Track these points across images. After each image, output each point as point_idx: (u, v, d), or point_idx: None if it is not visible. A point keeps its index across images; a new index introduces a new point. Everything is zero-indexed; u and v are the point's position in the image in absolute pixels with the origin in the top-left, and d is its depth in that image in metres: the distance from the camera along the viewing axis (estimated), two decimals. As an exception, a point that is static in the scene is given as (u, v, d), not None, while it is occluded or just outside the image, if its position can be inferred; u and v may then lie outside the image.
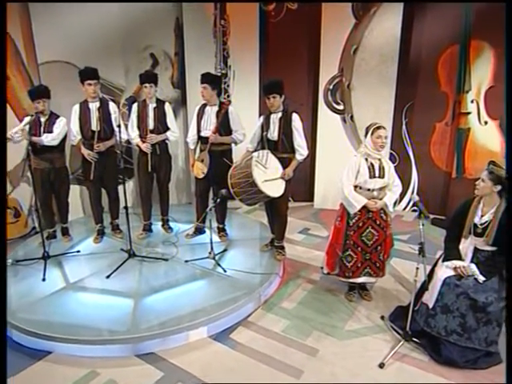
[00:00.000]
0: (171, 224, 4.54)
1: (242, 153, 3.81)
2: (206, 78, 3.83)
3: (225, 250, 3.98)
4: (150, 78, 3.98)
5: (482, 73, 4.64)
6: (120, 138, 3.62)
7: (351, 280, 3.27)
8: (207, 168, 3.87)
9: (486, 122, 4.73)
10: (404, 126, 5.33)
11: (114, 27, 4.75)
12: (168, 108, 4.12)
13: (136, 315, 2.98)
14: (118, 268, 3.57)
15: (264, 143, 3.68)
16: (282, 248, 3.95)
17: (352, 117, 5.26)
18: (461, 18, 4.68)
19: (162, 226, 4.51)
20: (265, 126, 3.64)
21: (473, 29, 4.63)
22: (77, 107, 3.92)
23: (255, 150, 3.70)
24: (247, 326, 3.04)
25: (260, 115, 3.95)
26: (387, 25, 4.86)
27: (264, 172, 3.45)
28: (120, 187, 3.98)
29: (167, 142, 4.20)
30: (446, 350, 2.62)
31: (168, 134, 4.13)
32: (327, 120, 5.32)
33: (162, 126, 4.09)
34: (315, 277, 3.75)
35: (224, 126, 3.87)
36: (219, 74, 4.94)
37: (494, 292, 2.59)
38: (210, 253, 3.68)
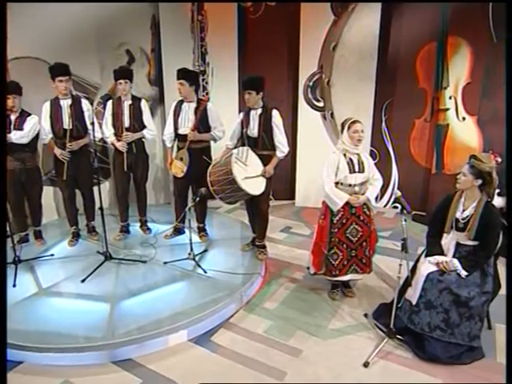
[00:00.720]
0: (149, 225, 4.42)
1: (221, 150, 3.72)
2: (183, 74, 3.73)
3: (205, 251, 3.89)
4: (124, 73, 3.86)
5: (459, 69, 4.68)
6: (94, 136, 3.49)
7: (338, 278, 3.22)
8: (187, 166, 3.77)
9: (463, 118, 4.77)
10: (384, 123, 5.34)
11: (89, 23, 4.60)
12: (144, 105, 4.00)
13: (112, 320, 2.86)
14: (93, 271, 3.43)
15: (244, 140, 3.62)
16: (264, 247, 3.89)
17: (332, 114, 5.25)
18: (438, 15, 4.71)
19: (140, 227, 4.38)
20: (244, 123, 3.57)
21: (450, 26, 4.66)
22: (47, 104, 3.76)
23: (235, 147, 3.63)
24: (229, 327, 2.96)
25: (240, 112, 3.87)
26: (366, 22, 4.85)
27: (244, 169, 3.39)
28: (95, 188, 3.83)
29: (144, 140, 4.09)
30: (429, 347, 2.60)
31: (144, 132, 4.01)
32: (307, 117, 5.29)
33: (138, 124, 3.96)
34: (298, 276, 3.70)
35: (203, 122, 3.79)
36: (196, 70, 4.84)
37: (476, 286, 2.59)
38: (189, 253, 3.58)
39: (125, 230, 4.26)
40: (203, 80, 5.03)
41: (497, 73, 4.47)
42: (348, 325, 3.00)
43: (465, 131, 4.80)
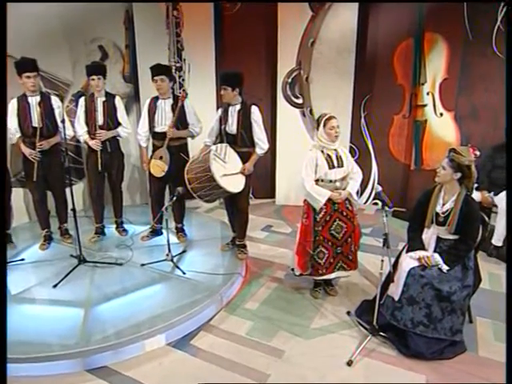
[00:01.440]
0: (126, 226, 4.30)
1: (199, 148, 3.63)
2: (162, 70, 3.63)
3: (184, 252, 3.80)
4: (97, 69, 3.72)
5: (436, 65, 4.72)
6: (65, 134, 3.34)
7: (326, 277, 3.19)
8: (167, 165, 3.67)
9: (441, 114, 4.82)
10: (363, 119, 5.35)
11: (59, 18, 4.43)
12: (118, 102, 3.87)
13: (86, 326, 2.74)
14: (66, 276, 3.29)
15: (222, 137, 3.54)
16: (244, 247, 3.83)
17: (311, 110, 5.23)
18: (414, 11, 4.74)
19: (116, 228, 4.25)
20: (223, 119, 3.50)
21: (426, 22, 4.69)
22: (14, 102, 3.59)
23: (214, 144, 3.55)
24: (209, 330, 2.88)
25: (218, 109, 3.80)
26: (343, 18, 4.85)
27: (223, 166, 3.33)
28: (68, 188, 3.68)
29: (118, 138, 3.96)
30: (413, 343, 2.59)
31: (119, 129, 3.89)
32: (286, 114, 5.25)
33: (112, 122, 3.84)
34: (279, 275, 3.65)
35: (180, 119, 3.71)
36: (172, 66, 4.74)
37: (457, 281, 2.59)
38: (167, 255, 3.49)
39: (100, 232, 4.13)
40: (179, 77, 4.93)
41: (473, 68, 4.54)
42: (331, 323, 2.96)
43: (442, 127, 4.85)
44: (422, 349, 2.56)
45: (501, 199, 3.87)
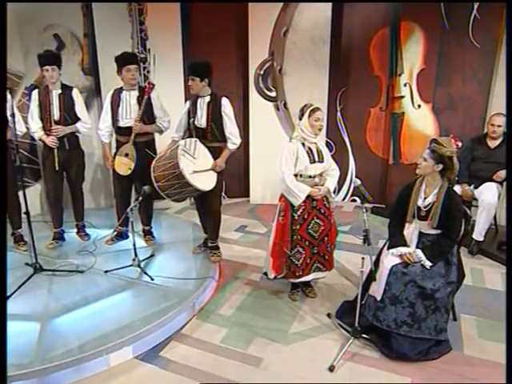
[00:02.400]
0: (88, 230, 4.13)
1: (166, 143, 3.53)
2: (132, 59, 3.55)
3: (152, 256, 3.68)
4: (50, 58, 3.54)
5: (413, 55, 4.78)
6: (15, 130, 3.14)
7: (302, 279, 3.14)
8: (134, 163, 3.55)
9: (419, 106, 4.88)
10: (339, 112, 5.35)
11: (8, 3, 4.19)
12: (76, 94, 3.70)
13: (43, 342, 2.57)
14: (20, 286, 3.10)
15: (191, 131, 3.45)
16: (217, 248, 3.74)
17: (285, 104, 5.19)
18: (390, -1, 4.78)
19: (77, 233, 4.07)
20: (191, 112, 3.41)
21: (402, 10, 4.74)
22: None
23: (182, 139, 3.45)
24: (180, 339, 2.78)
25: (186, 102, 3.68)
26: (317, 6, 4.84)
27: (192, 162, 3.24)
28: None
29: (78, 134, 3.79)
30: (396, 344, 2.57)
31: (78, 125, 3.72)
32: (259, 108, 5.21)
33: (69, 116, 3.67)
34: (255, 277, 3.59)
35: (147, 113, 3.60)
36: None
37: (440, 277, 2.59)
38: (134, 260, 3.36)
39: (59, 238, 3.94)
40: (144, 68, 4.78)
41: (450, 58, 4.62)
42: (311, 327, 2.91)
43: (421, 119, 4.92)
44: (407, 350, 2.54)
45: (481, 192, 3.94)
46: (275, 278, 3.20)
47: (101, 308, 2.93)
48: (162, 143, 3.74)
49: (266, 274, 3.27)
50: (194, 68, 3.32)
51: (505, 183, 4.00)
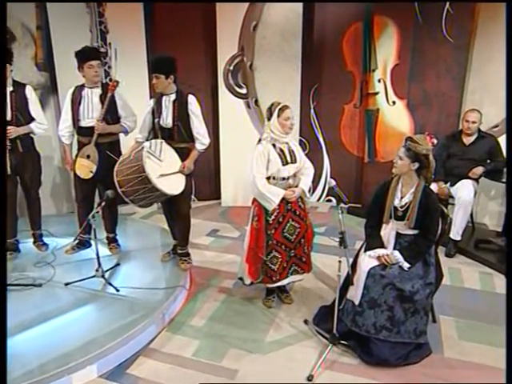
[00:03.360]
0: (46, 239, 3.99)
1: (127, 144, 3.47)
2: (95, 53, 3.47)
3: (117, 265, 3.60)
4: (-1, 53, 3.40)
5: (387, 50, 4.87)
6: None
7: (279, 283, 3.15)
8: (96, 165, 3.46)
9: (393, 102, 4.97)
10: (312, 110, 5.40)
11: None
12: (30, 92, 3.57)
13: (-3, 363, 2.47)
14: (-30, 303, 2.97)
15: (157, 132, 3.38)
16: (187, 255, 3.70)
17: (256, 101, 5.19)
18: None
19: (34, 243, 3.93)
20: (156, 111, 3.34)
21: (375, 5, 4.81)
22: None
23: (146, 140, 3.37)
24: (149, 354, 2.72)
25: (151, 99, 3.62)
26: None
27: (159, 165, 3.18)
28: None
29: (32, 136, 3.66)
30: (376, 350, 2.60)
31: (32, 125, 3.59)
32: (229, 106, 5.19)
33: (23, 116, 3.53)
34: (228, 284, 3.58)
35: (111, 112, 3.52)
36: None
37: (419, 279, 2.63)
38: (97, 270, 3.27)
39: (13, 249, 3.78)
40: (105, 64, 4.67)
41: (424, 53, 4.72)
42: (287, 335, 2.92)
43: (395, 116, 5.02)
44: (387, 355, 2.58)
45: (457, 190, 4.05)
46: (251, 283, 3.20)
47: (62, 324, 2.83)
48: (128, 144, 3.66)
49: (241, 279, 3.27)
50: (157, 65, 3.26)
51: (480, 180, 4.13)
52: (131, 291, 3.18)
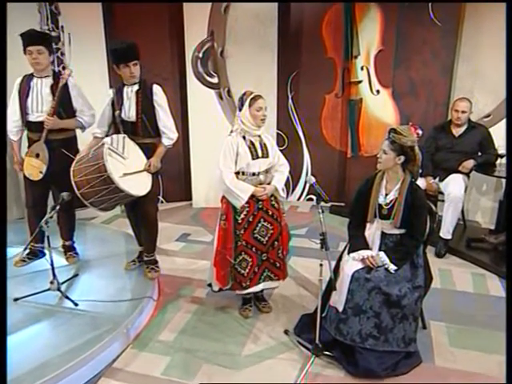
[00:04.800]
0: (-7, 249, 3.90)
1: (85, 141, 3.44)
2: (38, 38, 3.36)
3: (75, 276, 3.55)
4: None
5: (370, 35, 4.94)
6: None
7: (250, 290, 3.16)
8: (46, 165, 3.40)
9: (378, 91, 5.05)
10: (290, 100, 5.43)
11: None
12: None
13: None
14: None
15: (118, 126, 3.37)
16: (155, 263, 3.68)
17: (229, 91, 5.20)
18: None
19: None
20: (116, 103, 3.32)
21: (356, -15, 4.88)
22: None
23: (107, 136, 3.36)
24: (113, 375, 2.68)
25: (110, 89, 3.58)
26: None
27: (122, 163, 3.16)
28: None
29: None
30: (362, 360, 2.63)
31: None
32: (199, 97, 5.19)
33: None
34: (200, 293, 3.57)
35: (64, 104, 3.46)
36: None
37: (406, 282, 2.68)
38: (52, 282, 3.20)
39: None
40: (57, 50, 4.58)
41: (410, 38, 4.80)
42: (266, 347, 2.92)
43: (380, 106, 5.09)
44: (373, 365, 2.61)
45: (447, 185, 4.14)
46: (220, 290, 3.21)
47: (11, 345, 2.75)
48: (86, 141, 3.60)
49: (210, 285, 3.27)
50: (132, 51, 3.23)
51: (472, 174, 4.23)
52: (91, 305, 3.14)
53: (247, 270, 3.07)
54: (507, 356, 2.16)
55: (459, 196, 4.05)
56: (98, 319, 2.98)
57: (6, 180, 3.05)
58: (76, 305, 3.12)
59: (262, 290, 3.27)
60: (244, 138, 2.98)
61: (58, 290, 3.21)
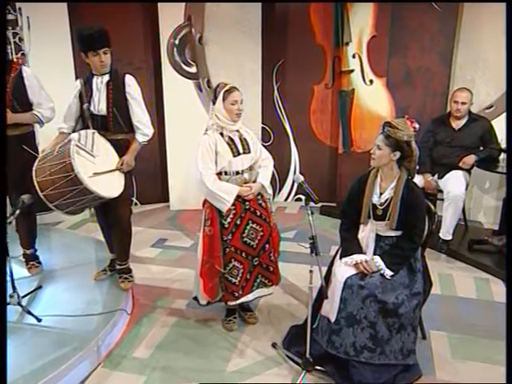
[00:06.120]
0: None
1: (51, 137, 3.39)
2: None
3: (38, 288, 3.51)
4: None
5: (363, 20, 4.97)
6: None
7: (243, 299, 3.16)
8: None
9: (371, 81, 5.08)
10: (276, 92, 5.44)
11: None
12: None
13: None
14: None
15: (87, 120, 3.34)
16: (129, 271, 3.66)
17: (209, 81, 5.19)
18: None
19: None
20: (85, 96, 3.30)
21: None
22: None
23: (74, 132, 3.34)
24: (82, 396, 2.68)
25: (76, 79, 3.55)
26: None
27: (91, 162, 3.14)
28: None
29: None
30: (357, 374, 2.64)
31: None
32: (176, 88, 5.18)
33: None
34: (180, 305, 3.56)
35: (19, 97, 3.41)
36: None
37: (404, 288, 2.70)
38: (11, 296, 3.15)
39: None
40: (15, 35, 4.52)
41: (406, 23, 4.85)
42: (253, 362, 2.93)
43: (374, 97, 5.13)
44: (369, 380, 2.62)
45: (446, 183, 4.18)
46: (208, 303, 3.20)
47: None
48: (47, 136, 3.57)
49: (196, 298, 3.26)
50: (102, 36, 3.21)
51: (473, 170, 4.28)
52: (57, 320, 3.10)
53: (239, 278, 3.07)
54: (507, 357, 2.18)
55: (460, 194, 4.09)
56: (65, 336, 2.95)
57: (6, 180, 3.06)
58: (39, 320, 3.08)
59: (256, 298, 3.27)
60: (222, 134, 2.99)
61: (19, 304, 3.16)
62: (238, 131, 3.05)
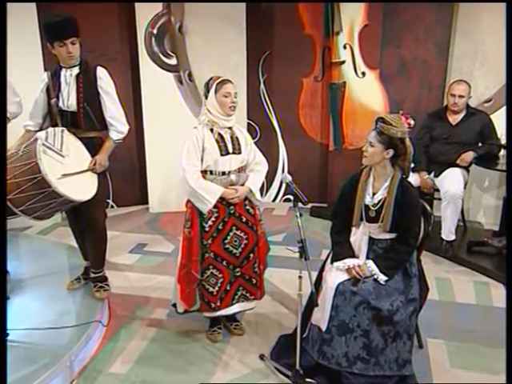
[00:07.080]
0: None
1: (19, 135, 3.37)
2: None
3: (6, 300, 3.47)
4: None
5: (354, 8, 4.99)
6: None
7: (222, 312, 3.15)
8: None
9: (363, 73, 5.11)
10: (262, 85, 5.44)
11: None
12: None
13: None
14: None
15: (55, 117, 3.32)
16: (104, 280, 3.64)
17: (190, 74, 5.18)
18: None
19: None
20: (52, 90, 3.27)
21: None
22: None
23: (41, 130, 3.30)
24: (54, 416, 2.65)
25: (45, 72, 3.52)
26: None
27: (60, 162, 3.11)
28: None
29: None
30: (350, 387, 2.65)
31: None
32: (155, 81, 5.18)
33: None
34: (160, 315, 3.55)
35: None
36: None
37: (399, 294, 2.71)
38: (-24, 308, 3.13)
39: None
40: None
41: (400, 11, 4.88)
42: (239, 375, 2.92)
43: (366, 90, 5.16)
44: (363, 393, 2.64)
45: (443, 181, 4.21)
46: (186, 311, 3.19)
47: None
48: (14, 134, 3.53)
49: (175, 305, 3.26)
50: (71, 26, 3.18)
51: (471, 168, 4.31)
52: (26, 334, 3.08)
53: (217, 288, 3.06)
54: (507, 357, 2.21)
55: (458, 193, 4.12)
56: (35, 351, 2.93)
57: (5, 181, 3.04)
58: (6, 335, 3.05)
59: (236, 312, 3.27)
60: (212, 130, 2.98)
61: (-15, 316, 3.15)
62: (230, 129, 3.03)
